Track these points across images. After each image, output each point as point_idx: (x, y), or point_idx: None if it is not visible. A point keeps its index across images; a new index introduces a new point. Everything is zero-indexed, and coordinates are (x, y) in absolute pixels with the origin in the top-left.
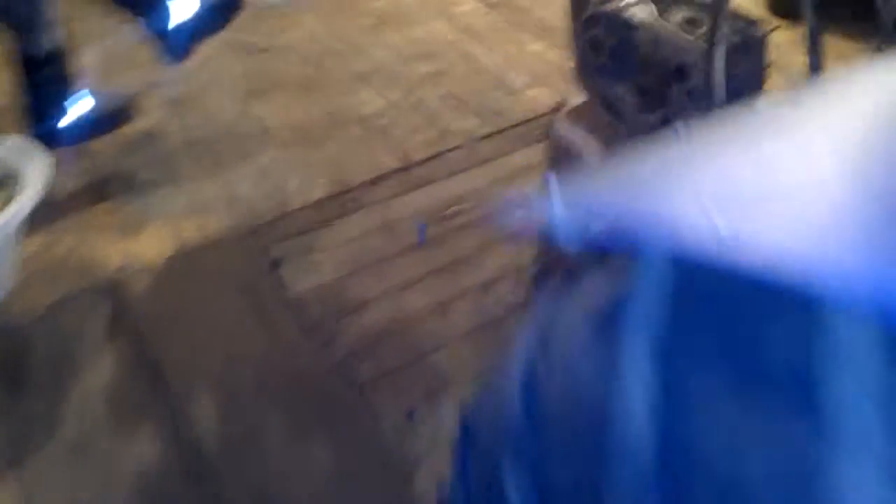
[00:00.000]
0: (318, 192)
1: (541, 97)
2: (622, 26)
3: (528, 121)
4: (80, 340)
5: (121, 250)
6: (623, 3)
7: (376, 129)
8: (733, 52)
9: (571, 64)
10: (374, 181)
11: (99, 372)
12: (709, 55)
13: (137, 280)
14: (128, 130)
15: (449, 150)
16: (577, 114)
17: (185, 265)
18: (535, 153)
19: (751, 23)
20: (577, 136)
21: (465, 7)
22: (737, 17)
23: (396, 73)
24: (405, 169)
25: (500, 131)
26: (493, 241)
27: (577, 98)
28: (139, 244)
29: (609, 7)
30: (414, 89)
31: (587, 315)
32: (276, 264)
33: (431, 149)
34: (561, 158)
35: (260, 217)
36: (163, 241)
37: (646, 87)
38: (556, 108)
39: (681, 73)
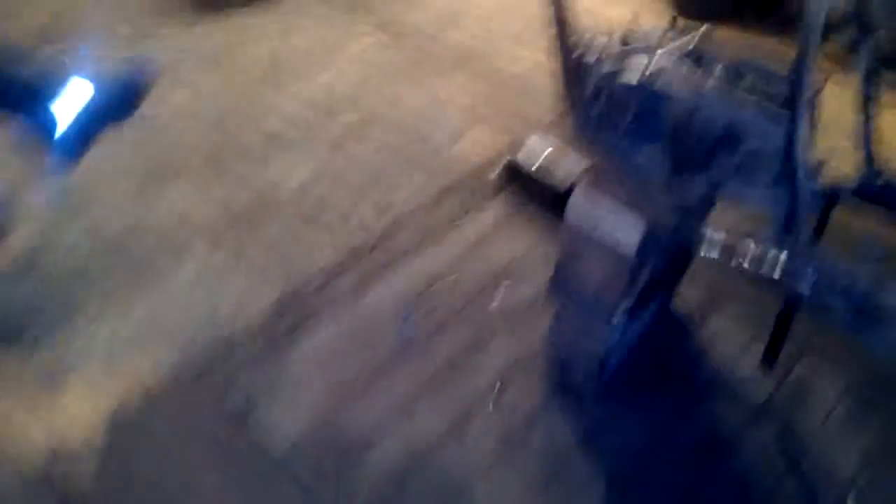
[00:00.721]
0: (268, 299)
1: (483, 139)
2: (648, 92)
3: (480, 168)
4: None
5: (42, 421)
6: (643, 67)
7: (313, 203)
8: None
9: (568, 120)
10: (331, 273)
11: None
12: (792, 116)
13: (77, 460)
14: (5, 252)
15: (404, 218)
16: (594, 184)
17: (131, 431)
18: (500, 207)
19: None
20: (604, 209)
21: (364, 42)
22: (768, 71)
23: (314, 128)
24: (362, 251)
25: (454, 185)
26: (486, 327)
27: (532, 139)
28: (64, 409)
29: (629, 74)
30: (340, 146)
31: None
32: (245, 409)
33: (384, 219)
34: (581, 242)
35: (206, 346)
36: (93, 401)
37: (684, 149)
38: (511, 152)
39: (731, 135)
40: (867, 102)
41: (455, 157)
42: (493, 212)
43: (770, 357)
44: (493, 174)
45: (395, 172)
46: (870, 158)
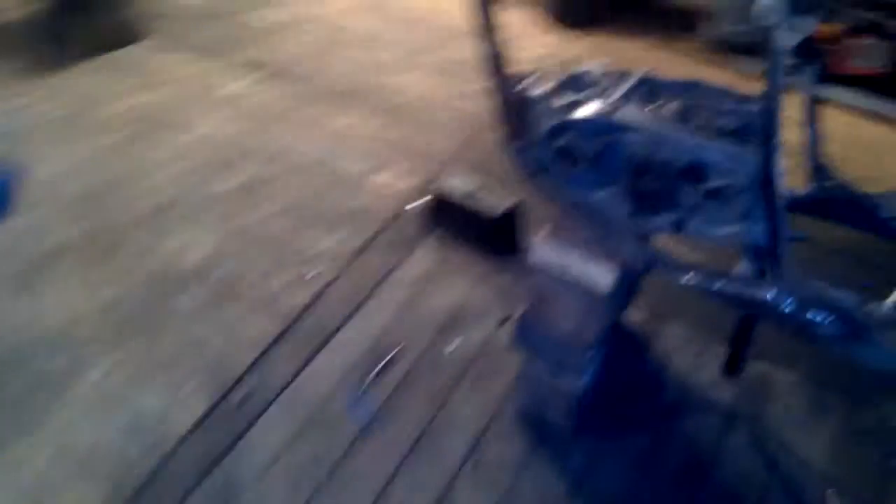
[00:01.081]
0: (198, 396)
1: (391, 183)
2: (605, 130)
3: (398, 207)
4: None
5: None
6: (601, 106)
7: (222, 282)
8: (742, 134)
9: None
10: (263, 352)
11: None
12: (766, 150)
13: None
14: None
15: (328, 285)
16: (556, 230)
17: None
18: (430, 247)
19: (745, 98)
20: (571, 254)
21: (238, 84)
22: (724, 93)
23: (203, 195)
24: (290, 328)
25: (372, 239)
26: (446, 384)
27: (453, 170)
28: None
29: (584, 111)
30: (237, 211)
31: None
32: None
33: (305, 290)
34: (550, 287)
35: (137, 466)
36: None
37: (643, 190)
38: (429, 186)
39: (694, 169)
40: (811, 115)
41: (369, 199)
42: (423, 254)
43: (733, 365)
44: (416, 211)
45: (310, 226)
46: (818, 167)
